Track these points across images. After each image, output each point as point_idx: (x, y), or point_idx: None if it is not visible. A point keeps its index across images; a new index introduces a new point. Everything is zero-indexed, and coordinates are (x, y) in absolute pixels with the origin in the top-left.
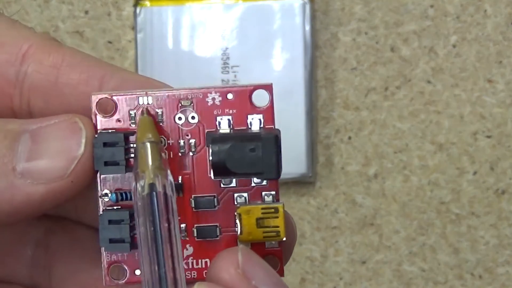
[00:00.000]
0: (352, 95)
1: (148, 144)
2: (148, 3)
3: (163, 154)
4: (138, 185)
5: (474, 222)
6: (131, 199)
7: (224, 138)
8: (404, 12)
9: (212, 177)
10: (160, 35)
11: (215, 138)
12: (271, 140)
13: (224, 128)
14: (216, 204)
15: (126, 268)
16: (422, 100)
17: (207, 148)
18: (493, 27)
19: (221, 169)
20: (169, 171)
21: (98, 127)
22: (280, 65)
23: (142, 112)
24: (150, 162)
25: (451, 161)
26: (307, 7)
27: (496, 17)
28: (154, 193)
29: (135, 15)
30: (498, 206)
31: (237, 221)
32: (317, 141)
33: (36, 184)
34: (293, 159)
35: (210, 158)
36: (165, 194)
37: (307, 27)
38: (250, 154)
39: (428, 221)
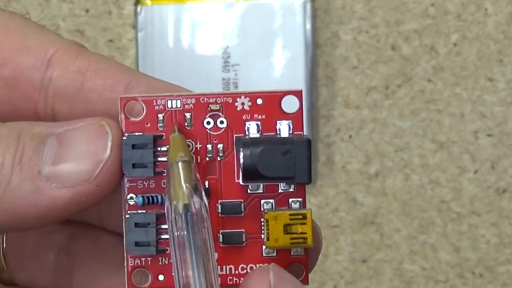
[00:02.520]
0: (353, 93)
1: (181, 164)
2: (148, 2)
3: (197, 174)
4: (172, 205)
5: (475, 221)
6: (157, 202)
7: (255, 141)
8: (404, 11)
9: (241, 181)
10: (160, 33)
11: (246, 142)
12: (303, 144)
13: (253, 133)
14: (242, 209)
15: (150, 273)
16: (423, 98)
17: (236, 152)
18: (494, 26)
19: (252, 173)
20: (203, 193)
21: (125, 130)
22: (280, 64)
23: (174, 130)
24: (183, 183)
25: (452, 159)
26: (308, 5)
27: (497, 16)
28: (189, 214)
29: (135, 13)
30: (499, 204)
31: (264, 226)
32: (317, 139)
33: (61, 187)
34: None
35: (241, 161)
36: (200, 214)
37: (308, 26)
38: (282, 158)
39: (429, 219)
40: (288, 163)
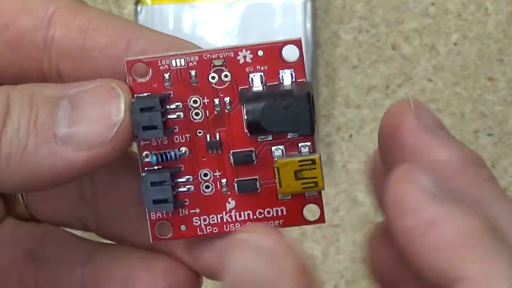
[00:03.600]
0: (353, 93)
1: None
2: (149, 1)
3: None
4: None
5: None
6: (171, 159)
7: (257, 97)
8: (405, 10)
9: (248, 135)
10: None
11: (248, 97)
12: (303, 97)
13: (257, 85)
14: (254, 158)
15: (171, 225)
16: (423, 98)
17: (241, 106)
18: (494, 25)
19: (256, 128)
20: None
21: (134, 91)
22: None
23: None
24: None
25: None
26: (308, 5)
27: (497, 15)
28: None
29: (136, 13)
30: None
31: (276, 174)
32: (318, 139)
33: (77, 150)
34: None
35: (245, 117)
36: None
37: (308, 25)
38: (284, 112)
39: None
40: (289, 117)
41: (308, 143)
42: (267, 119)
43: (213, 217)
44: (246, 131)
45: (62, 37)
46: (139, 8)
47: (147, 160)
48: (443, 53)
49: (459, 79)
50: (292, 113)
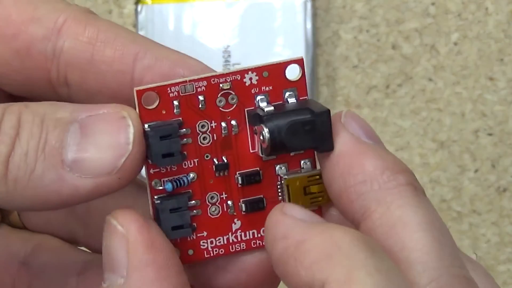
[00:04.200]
0: (353, 93)
1: None
2: (149, 1)
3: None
4: None
5: (475, 220)
6: (185, 184)
7: (276, 116)
8: (405, 10)
9: (265, 156)
10: (161, 32)
11: (268, 117)
12: (325, 114)
13: (263, 105)
14: (261, 177)
15: (179, 250)
16: (424, 97)
17: (249, 125)
18: (495, 25)
19: (278, 147)
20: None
21: (144, 119)
22: None
23: None
24: None
25: (453, 159)
26: (309, 5)
27: (498, 15)
28: None
29: (136, 12)
30: (499, 204)
31: (285, 191)
32: None
33: (84, 177)
34: None
35: (267, 136)
36: None
37: (309, 25)
38: (305, 130)
39: None
40: (311, 133)
41: (309, 159)
42: (291, 137)
43: (219, 239)
44: (259, 151)
45: (71, 48)
46: (139, 7)
47: (159, 188)
48: (443, 52)
49: (459, 78)
50: (313, 130)
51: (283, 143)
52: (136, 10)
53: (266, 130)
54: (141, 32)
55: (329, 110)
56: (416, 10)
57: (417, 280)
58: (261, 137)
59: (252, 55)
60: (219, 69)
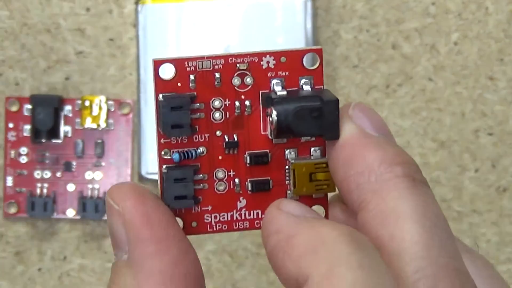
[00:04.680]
0: (353, 92)
1: None
2: (149, 1)
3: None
4: None
5: (475, 220)
6: (192, 157)
7: (287, 100)
8: (405, 10)
9: (273, 138)
10: (161, 32)
11: (278, 100)
12: (333, 103)
13: (278, 89)
14: (269, 159)
15: (182, 221)
16: (424, 97)
17: (262, 108)
18: (495, 25)
19: (284, 130)
20: None
21: (158, 90)
22: None
23: None
24: None
25: (453, 158)
26: (309, 4)
27: (498, 15)
28: None
29: (136, 12)
30: (499, 203)
31: (291, 175)
32: None
33: None
34: None
35: (275, 119)
36: None
37: (309, 25)
38: (313, 116)
39: None
40: (318, 121)
41: (320, 147)
42: (297, 122)
43: (223, 215)
44: (264, 132)
45: None
46: (139, 7)
47: (167, 157)
48: (443, 52)
49: (460, 78)
50: (321, 117)
51: (289, 127)
52: (136, 9)
53: (274, 113)
54: (141, 32)
55: (337, 100)
56: (416, 10)
57: (404, 270)
58: (270, 119)
59: None
60: None
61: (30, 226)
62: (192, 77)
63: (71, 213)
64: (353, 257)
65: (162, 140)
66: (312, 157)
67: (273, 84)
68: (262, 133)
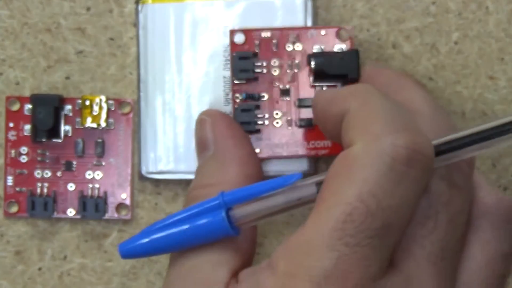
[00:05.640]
0: None
1: None
2: (150, 0)
3: None
4: None
5: None
6: (254, 99)
7: (322, 54)
8: (406, 9)
9: (312, 81)
10: (162, 32)
11: (315, 54)
12: (354, 53)
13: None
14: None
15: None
16: None
17: (308, 66)
18: (495, 24)
19: (320, 73)
20: None
21: (233, 50)
22: None
23: None
24: None
25: None
26: (309, 4)
27: (498, 14)
28: None
29: (137, 12)
30: None
31: None
32: None
33: None
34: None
35: (313, 64)
36: None
37: (309, 24)
38: (339, 62)
39: None
40: (343, 65)
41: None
42: (328, 66)
43: (278, 144)
44: (311, 78)
45: None
46: (139, 7)
47: (239, 98)
48: (443, 52)
49: (460, 78)
50: (345, 62)
51: (323, 70)
52: (136, 9)
53: (313, 62)
54: (142, 32)
55: (357, 50)
56: (417, 9)
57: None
58: (311, 66)
59: None
60: (220, 68)
61: (30, 225)
62: (256, 42)
63: (71, 212)
64: (381, 93)
65: (235, 87)
66: None
67: (315, 49)
68: (309, 85)
